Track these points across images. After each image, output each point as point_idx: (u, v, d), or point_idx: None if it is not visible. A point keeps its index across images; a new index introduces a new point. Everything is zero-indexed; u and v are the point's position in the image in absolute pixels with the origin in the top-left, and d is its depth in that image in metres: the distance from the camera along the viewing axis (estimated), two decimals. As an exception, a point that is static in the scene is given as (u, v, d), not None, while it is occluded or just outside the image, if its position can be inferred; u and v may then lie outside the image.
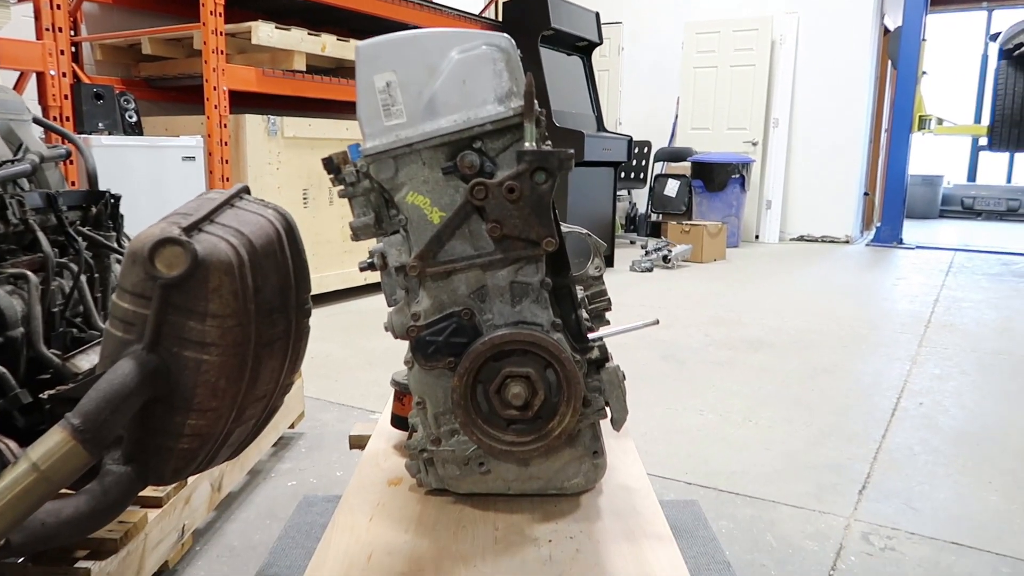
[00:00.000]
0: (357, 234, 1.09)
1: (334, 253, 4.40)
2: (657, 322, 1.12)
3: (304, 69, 4.17)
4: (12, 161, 1.31)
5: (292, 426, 2.33)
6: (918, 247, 7.75)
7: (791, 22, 7.88)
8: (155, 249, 0.95)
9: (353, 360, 3.23)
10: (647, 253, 6.13)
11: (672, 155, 8.06)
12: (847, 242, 8.03)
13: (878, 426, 2.52)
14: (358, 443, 1.67)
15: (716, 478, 2.09)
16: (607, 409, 1.12)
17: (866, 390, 2.92)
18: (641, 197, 8.50)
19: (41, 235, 1.26)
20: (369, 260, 1.12)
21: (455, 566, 1.01)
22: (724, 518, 1.87)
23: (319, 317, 4.03)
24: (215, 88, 3.74)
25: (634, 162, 7.96)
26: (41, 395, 1.05)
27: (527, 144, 1.00)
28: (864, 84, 7.79)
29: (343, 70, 4.78)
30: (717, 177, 7.45)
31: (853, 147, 7.93)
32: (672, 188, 7.85)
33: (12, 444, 1.03)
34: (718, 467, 2.17)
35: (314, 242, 4.22)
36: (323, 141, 4.29)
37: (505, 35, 1.03)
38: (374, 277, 4.38)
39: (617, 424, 1.13)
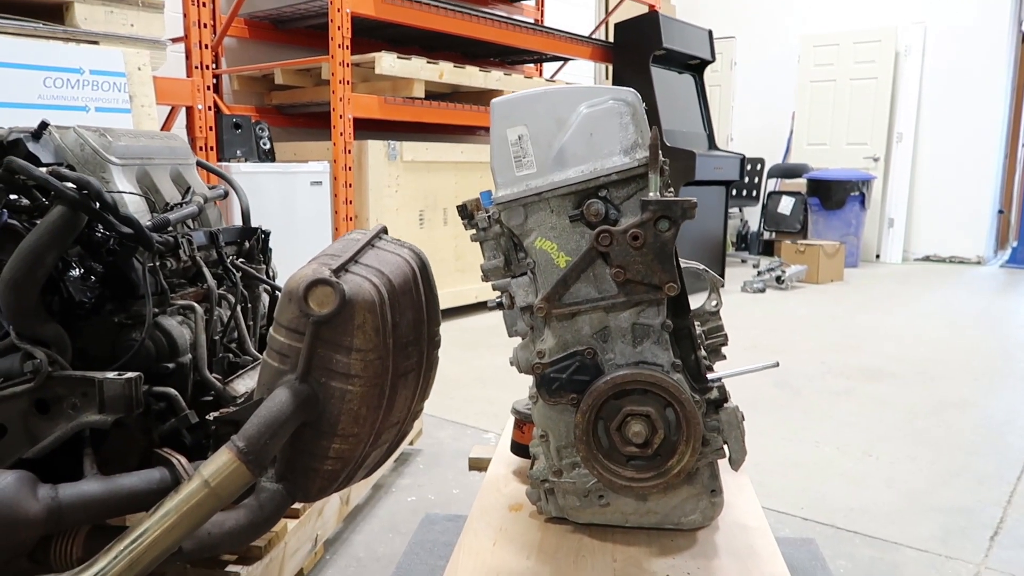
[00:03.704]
0: (488, 275, 1.16)
1: (447, 271, 4.54)
2: (777, 364, 1.14)
3: (423, 96, 4.36)
4: (182, 204, 1.47)
5: (411, 443, 2.44)
6: (1060, 269, 7.21)
7: (918, 32, 7.53)
8: (309, 289, 1.05)
9: (466, 378, 3.34)
10: (759, 273, 5.99)
11: (786, 171, 7.85)
12: (979, 263, 7.56)
13: (1012, 467, 2.38)
14: (477, 465, 1.74)
15: (834, 515, 2.04)
16: (725, 448, 1.15)
17: (998, 428, 2.76)
18: (753, 215, 8.30)
19: (206, 270, 1.41)
20: (498, 299, 1.19)
21: (576, 595, 1.06)
22: (842, 557, 1.83)
23: (433, 334, 4.17)
24: (341, 116, 3.96)
25: (746, 179, 7.79)
26: (206, 416, 1.18)
27: (651, 193, 1.04)
28: (999, 95, 7.33)
29: (459, 95, 4.96)
30: (835, 194, 7.20)
31: (986, 161, 7.46)
32: (786, 206, 7.63)
33: (183, 460, 1.16)
34: (836, 503, 2.12)
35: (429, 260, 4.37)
36: (439, 164, 4.46)
37: (631, 90, 1.08)
38: (485, 295, 4.49)
39: (736, 464, 1.15)
